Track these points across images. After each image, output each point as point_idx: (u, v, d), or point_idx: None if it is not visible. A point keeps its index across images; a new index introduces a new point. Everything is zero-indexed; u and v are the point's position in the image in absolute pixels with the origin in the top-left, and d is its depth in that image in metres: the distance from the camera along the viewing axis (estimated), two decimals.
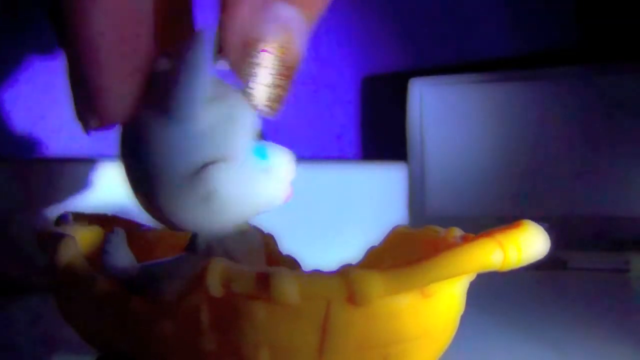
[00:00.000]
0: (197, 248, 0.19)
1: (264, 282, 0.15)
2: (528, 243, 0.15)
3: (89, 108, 0.18)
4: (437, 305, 0.17)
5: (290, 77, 0.18)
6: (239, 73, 0.18)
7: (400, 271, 0.15)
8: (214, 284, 0.15)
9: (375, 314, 0.15)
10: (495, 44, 0.57)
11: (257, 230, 0.21)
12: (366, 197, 0.53)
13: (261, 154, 0.18)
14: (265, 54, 0.18)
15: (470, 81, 0.54)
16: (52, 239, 0.20)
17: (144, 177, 0.18)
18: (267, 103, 0.18)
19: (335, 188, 0.50)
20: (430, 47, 0.58)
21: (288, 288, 0.15)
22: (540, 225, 0.17)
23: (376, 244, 0.25)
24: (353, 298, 0.15)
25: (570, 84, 0.51)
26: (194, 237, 0.19)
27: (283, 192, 0.19)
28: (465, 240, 0.19)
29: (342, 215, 0.51)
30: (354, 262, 0.24)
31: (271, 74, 0.18)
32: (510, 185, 0.52)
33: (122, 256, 0.19)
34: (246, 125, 0.18)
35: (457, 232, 0.21)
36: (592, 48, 0.53)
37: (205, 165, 0.17)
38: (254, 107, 0.18)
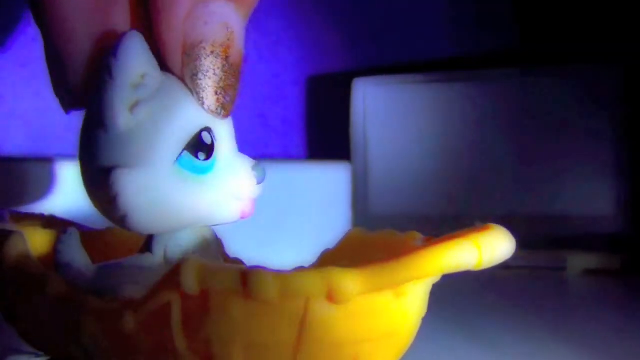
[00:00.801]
0: (154, 249, 0.19)
1: (242, 279, 0.15)
2: (499, 244, 0.16)
3: (65, 87, 0.18)
4: (407, 304, 0.17)
5: (236, 75, 0.18)
6: (182, 77, 0.17)
7: (379, 269, 0.15)
8: (190, 281, 0.15)
9: (352, 311, 0.15)
10: (438, 45, 0.57)
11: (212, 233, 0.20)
12: (310, 196, 0.53)
13: (191, 167, 0.18)
14: (208, 55, 0.17)
15: (413, 81, 0.54)
16: None
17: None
18: (216, 104, 0.18)
19: (280, 187, 0.50)
20: (373, 47, 0.58)
21: (268, 285, 0.15)
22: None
23: (331, 247, 0.24)
24: (332, 296, 0.15)
25: (510, 85, 0.52)
26: (150, 238, 0.19)
27: (235, 208, 0.19)
28: (428, 243, 0.19)
29: (286, 214, 0.51)
30: (306, 265, 0.24)
31: (217, 74, 0.17)
32: (452, 185, 0.53)
33: (77, 257, 0.18)
34: (169, 133, 0.17)
35: (417, 235, 0.21)
36: (532, 50, 0.54)
37: (108, 169, 0.17)
38: (206, 110, 0.18)
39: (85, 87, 0.17)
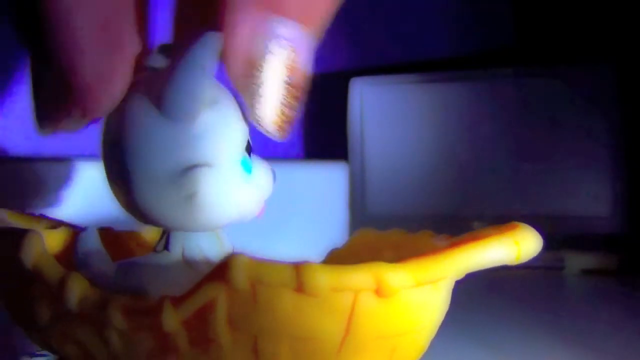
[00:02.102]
0: (171, 247, 0.19)
1: (295, 274, 0.15)
2: (532, 241, 0.17)
3: (53, 107, 0.17)
4: (441, 297, 0.18)
5: (297, 96, 0.17)
6: (243, 94, 0.17)
7: (426, 263, 0.16)
8: (240, 277, 0.15)
9: (396, 305, 0.16)
10: (435, 45, 0.57)
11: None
12: (307, 196, 0.53)
13: (246, 167, 0.18)
14: (269, 74, 0.17)
15: (410, 81, 0.54)
16: (12, 235, 0.18)
17: (125, 171, 0.17)
18: (274, 124, 0.17)
19: (277, 187, 0.50)
20: (370, 47, 0.58)
21: (320, 279, 0.15)
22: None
23: (339, 246, 0.25)
24: (381, 290, 0.15)
25: (507, 85, 0.52)
26: (168, 236, 0.19)
27: (260, 206, 0.19)
28: (454, 242, 0.20)
29: (283, 214, 0.50)
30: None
31: (276, 94, 0.17)
32: (449, 185, 0.53)
33: (98, 255, 0.18)
34: (236, 134, 0.18)
35: (430, 234, 0.22)
36: (530, 50, 0.54)
37: (190, 168, 0.17)
38: (263, 129, 0.17)
39: (102, 100, 0.17)
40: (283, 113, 0.17)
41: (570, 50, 0.52)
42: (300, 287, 0.15)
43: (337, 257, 0.25)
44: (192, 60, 0.17)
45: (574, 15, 0.53)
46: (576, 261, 0.46)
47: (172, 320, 0.16)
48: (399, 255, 0.22)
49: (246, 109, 0.17)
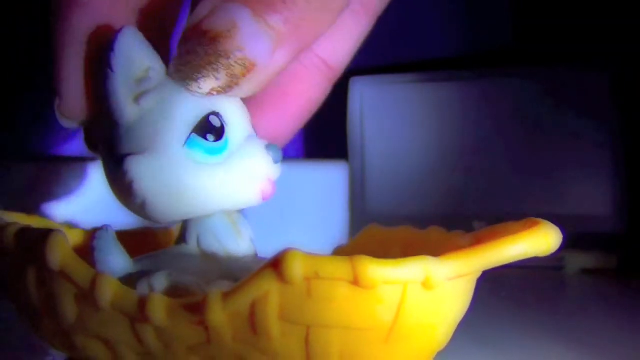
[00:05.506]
0: (187, 238, 0.19)
1: (350, 268, 0.16)
2: (555, 236, 0.18)
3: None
4: (470, 288, 0.19)
5: (226, 65, 0.17)
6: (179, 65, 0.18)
7: (469, 256, 0.17)
8: (295, 272, 0.15)
9: (437, 296, 0.17)
10: (435, 44, 0.57)
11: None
12: (308, 196, 0.53)
13: (204, 148, 0.18)
14: (197, 36, 0.17)
15: (411, 81, 0.54)
16: (34, 234, 0.18)
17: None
18: (191, 80, 0.18)
19: (277, 186, 0.50)
20: (370, 46, 0.58)
21: (374, 273, 0.15)
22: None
23: (344, 243, 0.26)
24: (427, 282, 0.16)
25: (507, 85, 0.52)
26: (184, 229, 0.19)
27: (254, 190, 0.19)
28: (479, 237, 0.21)
29: (283, 213, 0.51)
30: None
31: (200, 53, 0.17)
32: (450, 185, 0.53)
33: (117, 254, 0.18)
34: (177, 117, 0.18)
35: (439, 231, 0.23)
36: (528, 49, 0.54)
37: (124, 157, 0.17)
38: (182, 83, 0.18)
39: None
40: (200, 71, 0.17)
41: (570, 51, 0.52)
42: (356, 280, 0.15)
43: (343, 254, 0.25)
44: (104, 62, 0.17)
45: (572, 16, 0.53)
46: (576, 261, 0.46)
47: (219, 315, 0.16)
48: (407, 252, 0.22)
49: (173, 69, 0.18)
